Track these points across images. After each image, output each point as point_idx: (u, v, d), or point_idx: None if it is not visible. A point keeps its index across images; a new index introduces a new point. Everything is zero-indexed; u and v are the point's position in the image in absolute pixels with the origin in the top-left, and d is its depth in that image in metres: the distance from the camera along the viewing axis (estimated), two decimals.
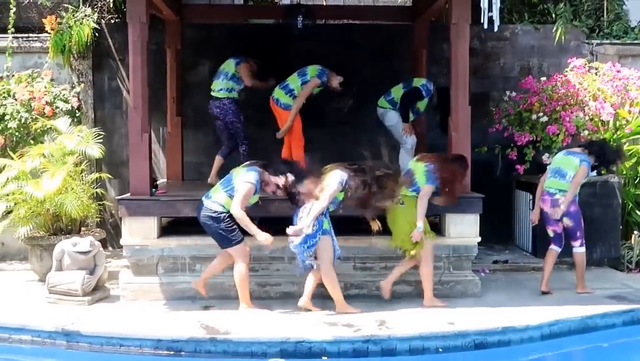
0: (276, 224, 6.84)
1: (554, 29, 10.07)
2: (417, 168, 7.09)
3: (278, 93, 8.33)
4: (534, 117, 8.74)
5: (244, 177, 6.71)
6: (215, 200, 6.75)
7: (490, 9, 7.01)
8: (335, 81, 8.32)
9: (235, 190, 6.67)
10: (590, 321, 6.62)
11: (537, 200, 7.54)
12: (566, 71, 9.14)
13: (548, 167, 7.65)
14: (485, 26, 7.00)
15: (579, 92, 8.76)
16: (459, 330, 6.20)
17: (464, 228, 7.36)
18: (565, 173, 7.29)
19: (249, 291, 6.83)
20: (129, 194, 7.36)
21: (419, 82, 8.63)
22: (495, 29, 7.02)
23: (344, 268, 7.34)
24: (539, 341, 6.32)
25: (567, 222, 7.34)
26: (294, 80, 8.29)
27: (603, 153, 7.47)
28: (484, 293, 7.44)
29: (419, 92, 8.53)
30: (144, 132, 7.34)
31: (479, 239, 7.42)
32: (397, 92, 8.55)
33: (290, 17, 8.59)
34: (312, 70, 8.21)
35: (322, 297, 6.87)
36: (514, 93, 9.15)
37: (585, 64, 9.14)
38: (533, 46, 10.21)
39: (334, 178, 6.65)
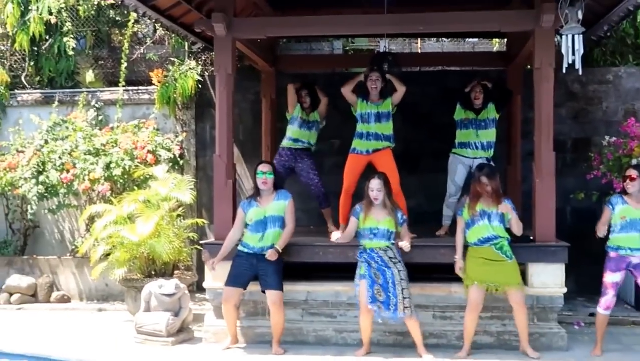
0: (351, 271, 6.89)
1: None
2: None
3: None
4: (633, 162, 8.32)
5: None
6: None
7: (573, 53, 6.83)
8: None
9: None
10: None
11: None
12: None
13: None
14: (564, 70, 6.82)
15: None
16: None
17: (548, 278, 7.09)
18: None
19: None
20: (212, 239, 7.59)
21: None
22: (564, 70, 6.79)
23: (423, 317, 7.22)
24: None
25: None
26: None
27: None
28: (572, 347, 7.11)
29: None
30: (229, 178, 7.62)
31: (564, 290, 7.12)
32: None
33: (377, 65, 8.63)
34: None
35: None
36: (613, 138, 8.78)
37: None
38: (638, 89, 9.80)
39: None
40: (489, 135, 8.20)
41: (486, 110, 8.24)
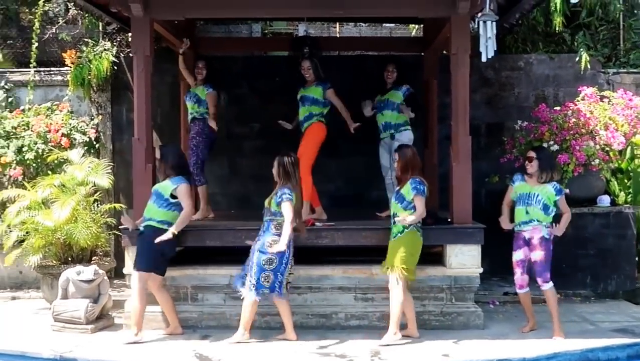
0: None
1: (577, 58, 10.03)
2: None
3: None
4: (544, 146, 8.64)
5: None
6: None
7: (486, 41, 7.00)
8: None
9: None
10: (592, 355, 6.43)
11: None
12: (577, 100, 9.05)
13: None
14: (484, 56, 6.98)
15: (590, 121, 8.65)
16: None
17: (465, 259, 7.30)
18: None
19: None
20: None
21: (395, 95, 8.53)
22: (484, 58, 6.95)
23: (345, 299, 7.35)
24: None
25: None
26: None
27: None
28: (488, 325, 7.36)
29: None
30: (148, 163, 7.51)
31: (480, 270, 7.36)
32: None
33: (297, 49, 8.67)
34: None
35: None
36: (525, 123, 9.07)
37: (596, 93, 9.03)
38: (548, 75, 10.16)
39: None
40: (387, 117, 8.44)
41: (390, 93, 8.45)
